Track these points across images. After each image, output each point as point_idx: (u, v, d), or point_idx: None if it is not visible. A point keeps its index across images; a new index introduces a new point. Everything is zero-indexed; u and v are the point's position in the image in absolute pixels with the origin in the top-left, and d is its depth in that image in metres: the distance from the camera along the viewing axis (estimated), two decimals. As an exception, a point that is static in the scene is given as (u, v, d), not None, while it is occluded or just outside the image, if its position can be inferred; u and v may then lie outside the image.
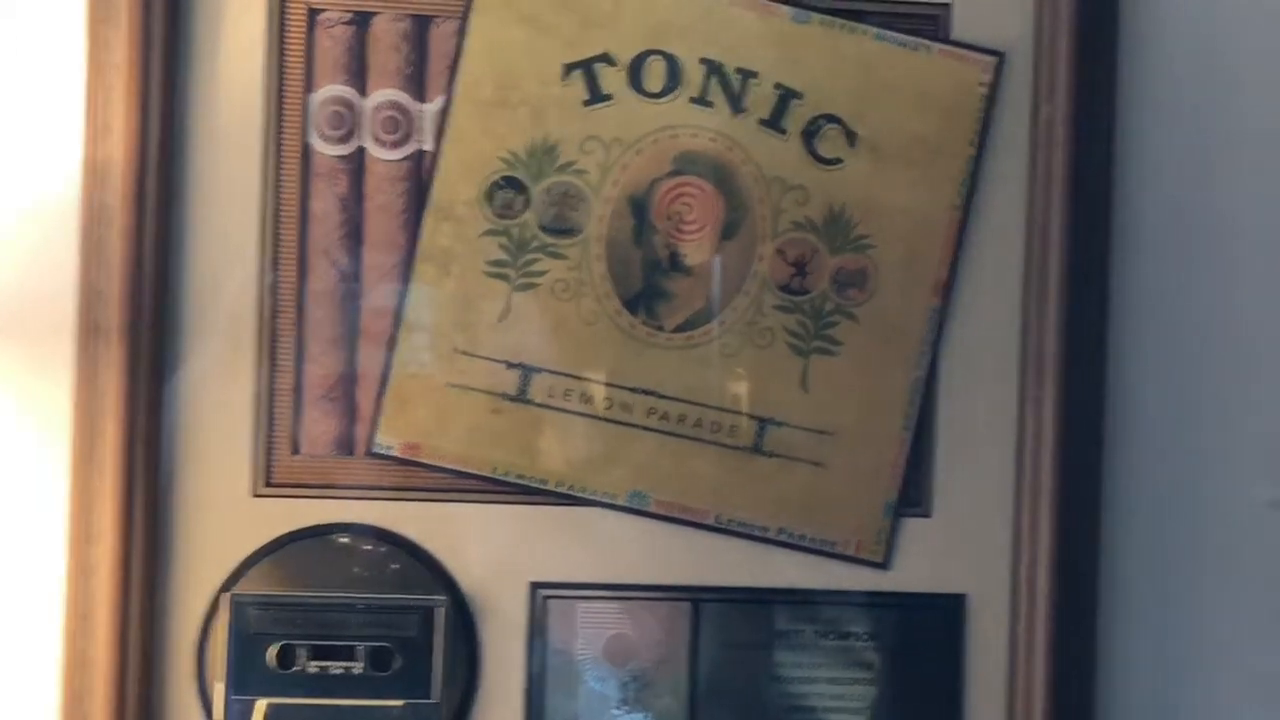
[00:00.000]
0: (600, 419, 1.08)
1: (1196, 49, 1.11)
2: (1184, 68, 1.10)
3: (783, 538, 1.10)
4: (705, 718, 1.09)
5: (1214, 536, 1.11)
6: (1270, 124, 1.11)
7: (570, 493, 1.08)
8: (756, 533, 1.10)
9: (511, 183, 1.08)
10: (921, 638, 1.10)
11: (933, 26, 1.10)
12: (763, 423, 1.10)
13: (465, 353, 1.07)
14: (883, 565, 1.10)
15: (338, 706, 1.05)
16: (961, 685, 1.10)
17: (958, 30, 1.10)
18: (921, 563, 1.10)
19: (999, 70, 1.10)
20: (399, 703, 1.05)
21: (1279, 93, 1.11)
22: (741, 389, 1.09)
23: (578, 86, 1.08)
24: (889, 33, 1.10)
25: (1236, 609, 1.11)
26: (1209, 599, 1.11)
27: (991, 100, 1.10)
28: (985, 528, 1.09)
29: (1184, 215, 1.11)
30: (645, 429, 1.09)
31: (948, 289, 1.10)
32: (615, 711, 1.08)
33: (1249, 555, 1.11)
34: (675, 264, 1.09)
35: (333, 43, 1.07)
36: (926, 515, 1.10)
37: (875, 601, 1.10)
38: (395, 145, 1.07)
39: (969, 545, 1.10)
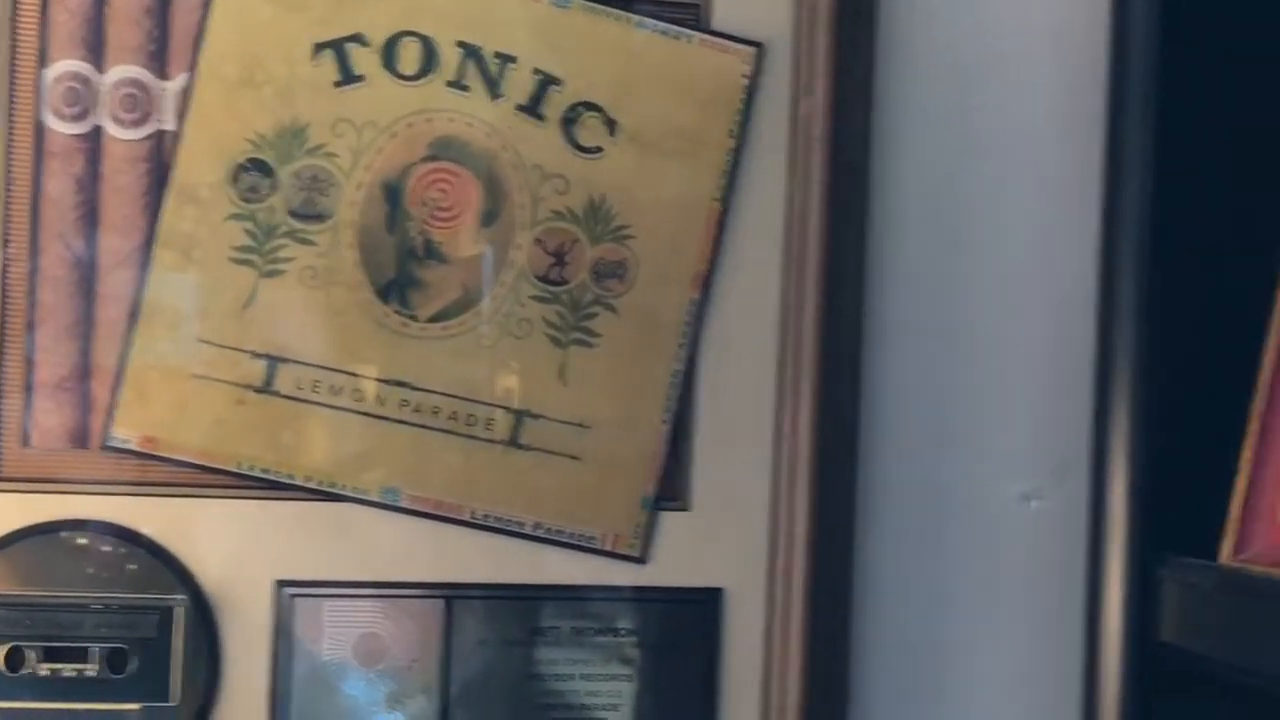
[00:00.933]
0: (351, 411, 1.05)
1: (955, 43, 1.11)
2: (943, 61, 1.11)
3: (539, 533, 1.08)
4: (459, 717, 1.06)
5: (968, 529, 1.12)
6: (1029, 118, 1.12)
7: (320, 488, 1.05)
8: (513, 528, 1.08)
9: (258, 165, 1.04)
10: (679, 632, 1.09)
11: (694, 16, 1.09)
12: (519, 416, 1.07)
13: (208, 342, 1.03)
14: (640, 560, 1.09)
15: (71, 711, 1.00)
16: (718, 678, 1.09)
17: (719, 20, 1.09)
18: (679, 556, 1.09)
19: (759, 62, 1.10)
20: (135, 706, 1.00)
21: (1037, 87, 1.12)
22: (498, 381, 1.07)
23: (328, 67, 1.04)
24: (651, 20, 1.09)
25: (989, 600, 1.12)
26: (963, 590, 1.12)
27: (753, 92, 1.10)
28: (743, 521, 1.09)
29: (942, 210, 1.12)
30: (398, 422, 1.06)
31: (708, 281, 1.09)
32: (365, 712, 1.05)
33: (1001, 547, 1.12)
34: (430, 252, 1.06)
35: (68, 15, 1.02)
36: (685, 509, 1.09)
37: (632, 596, 1.08)
38: (135, 124, 1.02)
39: (727, 538, 1.09)
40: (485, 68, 1.07)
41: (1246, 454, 0.96)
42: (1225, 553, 0.96)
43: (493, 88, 1.07)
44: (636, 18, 1.08)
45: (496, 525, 1.07)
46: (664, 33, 1.09)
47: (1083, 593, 1.04)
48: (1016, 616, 1.12)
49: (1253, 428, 0.97)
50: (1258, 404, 0.97)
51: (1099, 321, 1.05)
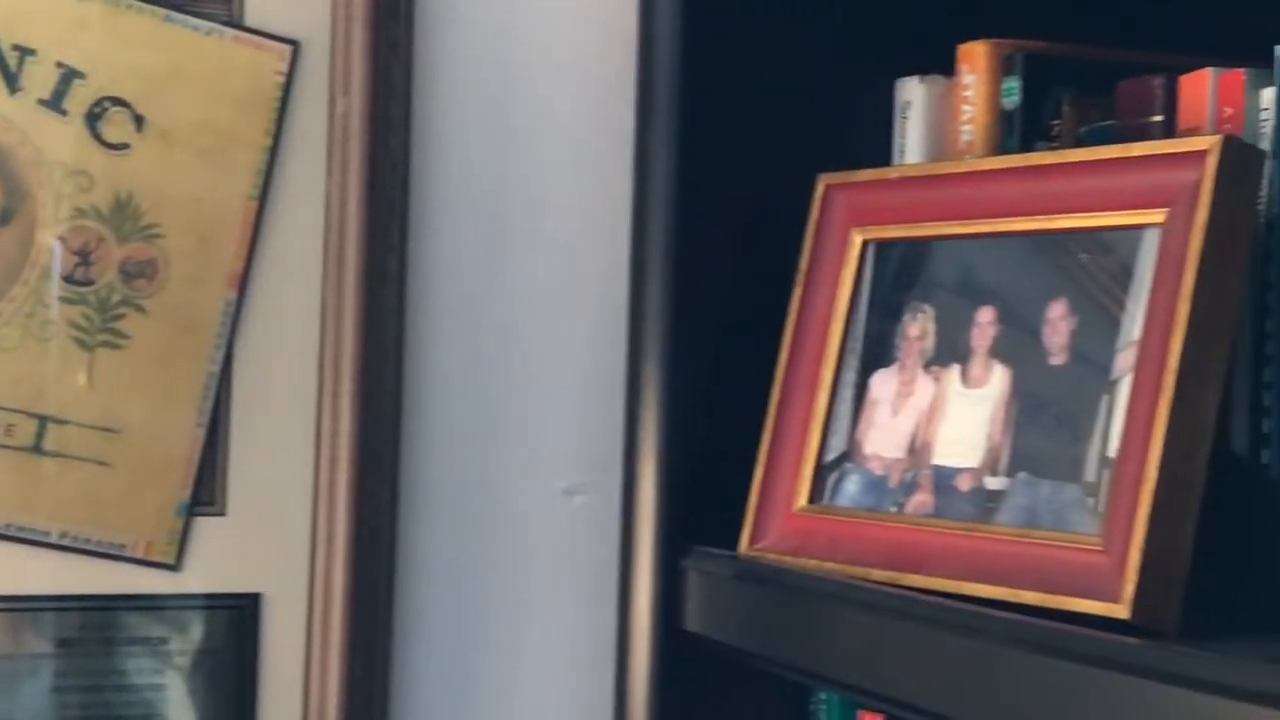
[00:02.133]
0: None
1: (493, 42, 1.12)
2: (482, 57, 1.12)
3: (67, 542, 1.04)
4: (-18, 736, 1.02)
5: (511, 524, 1.13)
6: (567, 117, 1.14)
7: None
8: (39, 538, 1.04)
9: None
10: (216, 639, 1.07)
11: (227, 12, 1.07)
12: (43, 421, 1.04)
13: None
14: (174, 567, 1.06)
15: None
16: (257, 685, 1.07)
17: (252, 17, 1.07)
18: (216, 562, 1.06)
19: (295, 60, 1.08)
20: None
21: (574, 84, 1.14)
22: (19, 385, 1.03)
23: None
24: (180, 15, 1.06)
25: (532, 595, 1.13)
26: (506, 586, 1.13)
27: (288, 90, 1.08)
28: (282, 524, 1.07)
29: (482, 208, 1.13)
30: (-91, 429, 1.01)
31: (244, 281, 1.08)
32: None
33: (545, 542, 1.14)
34: (-59, 251, 1.02)
35: None
36: (222, 513, 1.07)
37: (166, 604, 1.06)
38: None
39: (266, 542, 1.07)
40: (3, 60, 1.03)
41: (764, 448, 1.00)
42: (743, 543, 0.99)
43: (11, 81, 1.03)
44: (165, 11, 1.06)
45: (21, 536, 1.03)
46: (195, 28, 1.07)
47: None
48: (559, 610, 1.14)
49: (769, 423, 1.00)
50: (774, 400, 1.00)
51: (630, 322, 1.08)
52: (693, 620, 1.01)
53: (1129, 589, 0.80)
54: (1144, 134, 0.93)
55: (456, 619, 1.11)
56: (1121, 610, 0.80)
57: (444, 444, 1.11)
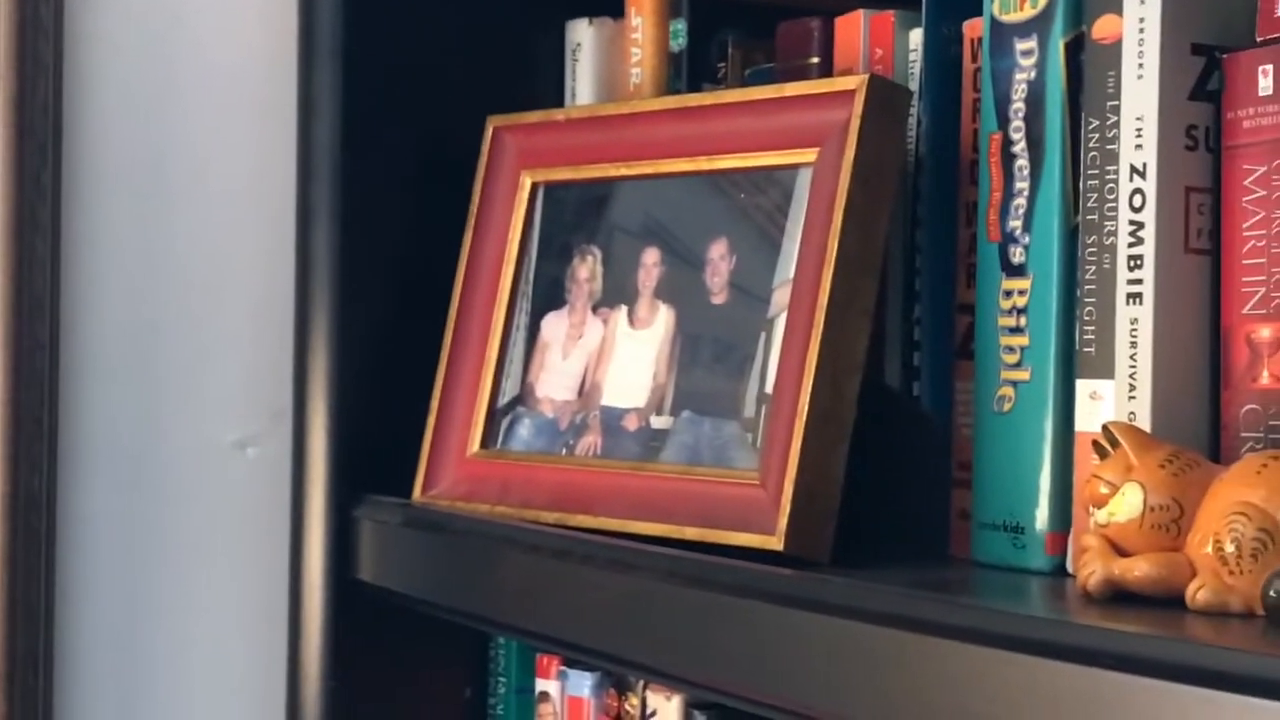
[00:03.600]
0: None
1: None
2: (136, 14, 1.08)
3: None
4: None
5: (183, 477, 1.10)
6: (230, 59, 1.11)
7: None
8: None
9: None
10: None
11: None
12: None
13: None
14: None
15: None
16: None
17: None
18: None
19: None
20: None
21: (238, 24, 1.11)
22: None
23: None
24: None
25: (207, 548, 1.10)
26: (179, 540, 1.10)
27: (-71, 27, 1.03)
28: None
29: (145, 156, 1.09)
30: None
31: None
32: None
33: (218, 494, 1.11)
34: None
35: None
36: None
37: None
38: None
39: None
40: None
41: (436, 393, 0.99)
42: (417, 490, 0.98)
43: None
44: None
45: None
46: None
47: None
48: (233, 565, 1.11)
49: (441, 368, 0.99)
50: (446, 345, 0.99)
51: (298, 268, 1.05)
52: (366, 569, 1.00)
53: (783, 522, 0.81)
54: (803, 75, 0.94)
55: (124, 579, 1.08)
56: (776, 542, 0.81)
57: (106, 400, 1.07)
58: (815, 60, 0.94)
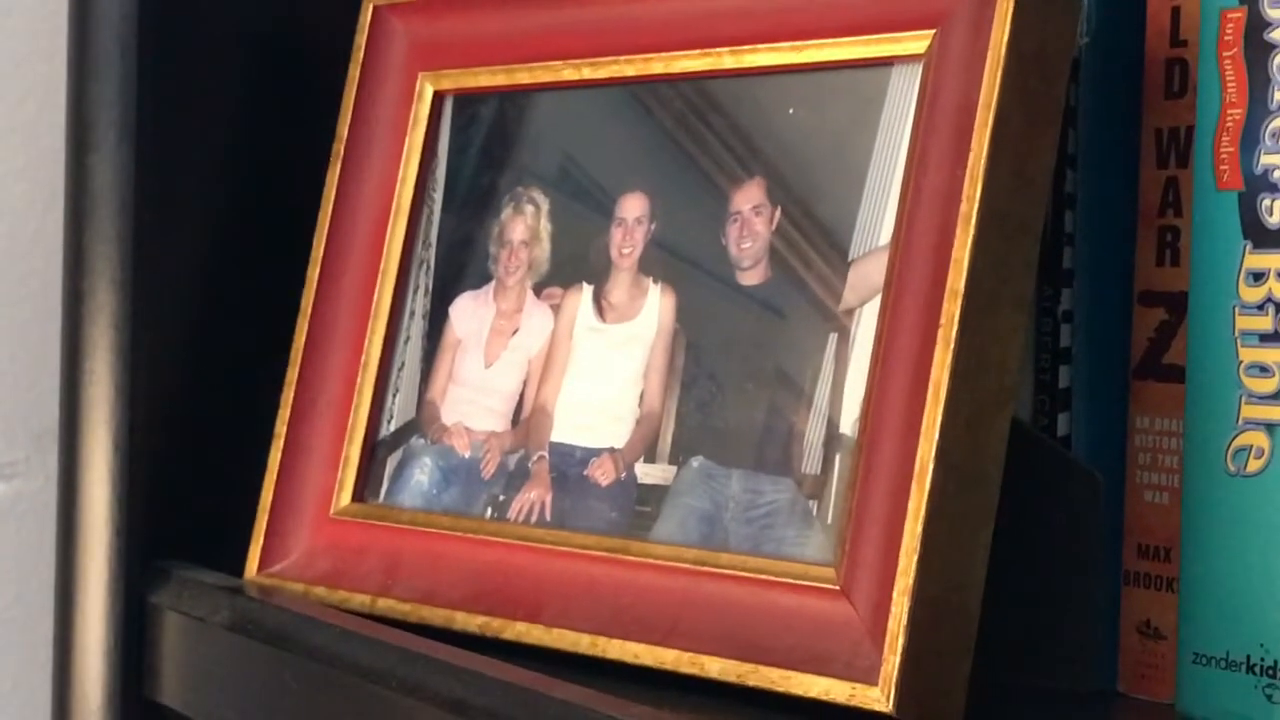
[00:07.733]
0: None
1: None
2: None
3: None
4: None
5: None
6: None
7: None
8: None
9: None
10: None
11: None
12: None
13: None
14: None
15: None
16: None
17: None
18: None
19: None
20: None
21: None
22: None
23: None
24: None
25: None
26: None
27: None
28: None
29: None
30: None
31: None
32: None
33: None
34: None
35: None
36: None
37: None
38: None
39: None
40: None
41: (282, 417, 0.64)
42: (251, 565, 0.63)
43: None
44: None
45: None
46: None
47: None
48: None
49: (290, 380, 0.65)
50: (297, 345, 0.65)
51: (68, 230, 0.69)
52: (169, 690, 0.64)
53: (891, 663, 0.48)
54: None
55: None
56: (878, 699, 0.48)
57: None
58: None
